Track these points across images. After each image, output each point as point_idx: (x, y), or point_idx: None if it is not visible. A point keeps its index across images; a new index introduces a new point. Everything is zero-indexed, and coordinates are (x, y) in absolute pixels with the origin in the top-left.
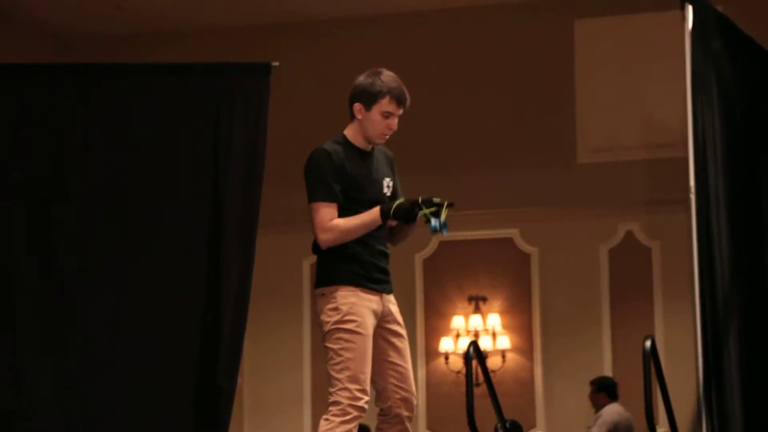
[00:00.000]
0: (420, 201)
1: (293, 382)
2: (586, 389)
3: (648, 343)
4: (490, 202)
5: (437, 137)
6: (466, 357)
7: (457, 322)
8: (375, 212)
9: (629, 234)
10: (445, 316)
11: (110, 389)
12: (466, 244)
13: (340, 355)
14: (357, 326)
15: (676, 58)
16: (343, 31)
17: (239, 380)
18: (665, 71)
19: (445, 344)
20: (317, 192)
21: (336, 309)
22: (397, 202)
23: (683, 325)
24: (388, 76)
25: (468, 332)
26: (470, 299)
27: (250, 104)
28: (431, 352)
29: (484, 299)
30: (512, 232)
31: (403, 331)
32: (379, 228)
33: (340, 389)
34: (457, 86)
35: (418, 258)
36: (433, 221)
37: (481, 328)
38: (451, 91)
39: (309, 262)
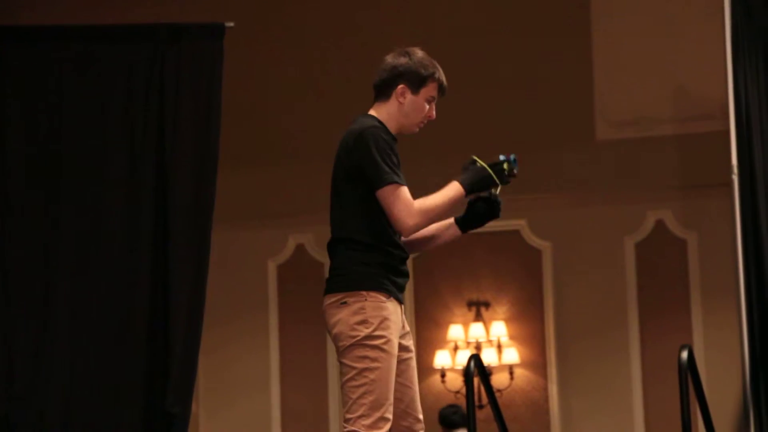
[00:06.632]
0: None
1: (258, 407)
2: (610, 410)
3: (684, 354)
4: None
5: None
6: (467, 374)
7: (455, 332)
8: (456, 186)
9: (660, 224)
10: (441, 326)
11: (44, 413)
12: (465, 238)
13: (365, 377)
14: (386, 344)
15: (713, 12)
16: None
17: (193, 406)
18: (700, 28)
19: (441, 359)
20: (390, 173)
21: (365, 322)
22: (468, 172)
23: (726, 331)
24: (428, 57)
25: (468, 344)
26: (470, 305)
27: (201, 72)
28: (424, 369)
29: (487, 304)
30: (519, 224)
31: (413, 347)
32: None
33: (361, 416)
34: (448, 51)
35: None
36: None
37: (484, 339)
38: (442, 57)
39: (275, 262)
